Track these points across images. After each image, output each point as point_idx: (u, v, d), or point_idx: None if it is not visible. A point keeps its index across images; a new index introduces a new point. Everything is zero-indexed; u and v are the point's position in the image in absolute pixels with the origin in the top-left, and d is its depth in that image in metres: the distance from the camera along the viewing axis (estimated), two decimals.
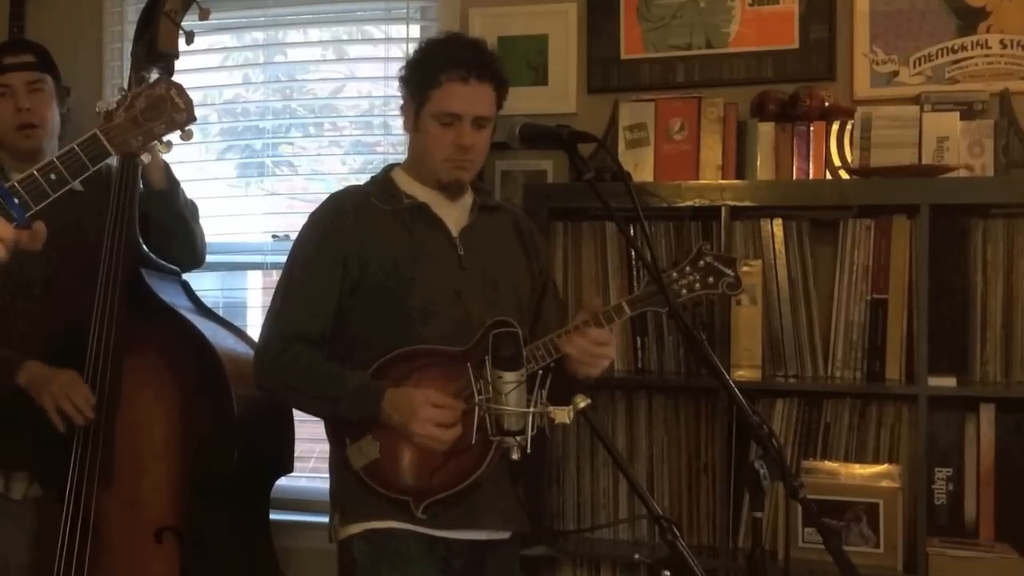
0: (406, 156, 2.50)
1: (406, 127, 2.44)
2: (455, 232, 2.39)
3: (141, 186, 2.69)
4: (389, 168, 2.49)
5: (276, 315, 2.36)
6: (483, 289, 2.34)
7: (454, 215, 2.42)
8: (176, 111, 1.84)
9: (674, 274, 2.35)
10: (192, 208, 2.82)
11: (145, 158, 1.90)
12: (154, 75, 2.53)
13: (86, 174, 1.79)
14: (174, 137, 1.89)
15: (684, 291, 2.34)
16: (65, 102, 2.81)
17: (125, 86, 1.95)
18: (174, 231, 2.76)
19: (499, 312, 2.27)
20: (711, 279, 2.35)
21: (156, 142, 1.85)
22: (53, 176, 1.74)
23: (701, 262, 2.35)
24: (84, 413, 2.49)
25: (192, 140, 1.93)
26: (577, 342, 2.27)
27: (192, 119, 1.86)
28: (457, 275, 2.35)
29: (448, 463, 2.22)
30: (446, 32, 2.58)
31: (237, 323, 2.90)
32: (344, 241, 2.33)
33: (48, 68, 2.79)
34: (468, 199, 2.46)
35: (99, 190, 2.62)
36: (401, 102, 2.45)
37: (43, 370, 2.55)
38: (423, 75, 2.35)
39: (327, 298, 2.33)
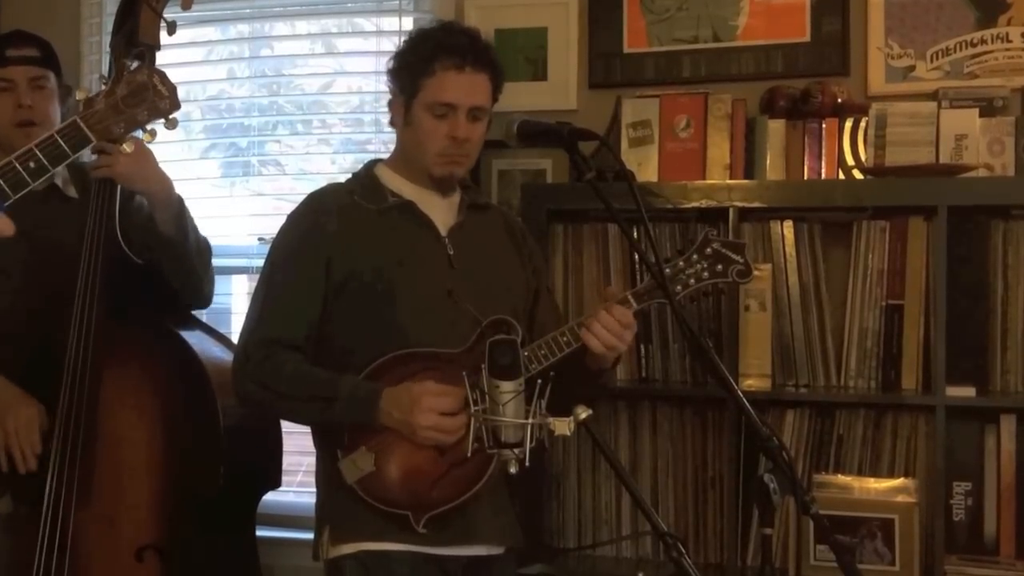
0: (392, 151, 2.50)
1: (394, 122, 2.44)
2: (444, 231, 2.39)
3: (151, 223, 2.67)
4: (371, 164, 2.49)
5: (256, 320, 2.34)
6: (475, 289, 2.34)
7: (442, 213, 2.42)
8: (159, 98, 1.85)
9: (680, 263, 2.33)
10: (204, 251, 2.75)
11: (127, 147, 1.91)
12: (135, 67, 2.53)
13: (66, 162, 1.81)
14: (158, 126, 1.90)
15: (692, 281, 2.32)
16: (66, 101, 2.80)
17: (106, 76, 1.97)
18: (177, 276, 2.69)
19: (494, 312, 2.27)
20: (719, 267, 2.33)
21: (140, 130, 1.86)
22: (32, 164, 1.75)
23: (708, 249, 2.34)
24: (28, 463, 2.50)
25: (175, 134, 1.95)
26: (603, 318, 2.25)
27: (176, 107, 1.87)
28: (448, 275, 2.35)
29: (448, 475, 2.22)
30: (438, 20, 2.58)
31: (221, 330, 2.90)
32: (327, 242, 2.33)
33: (52, 64, 2.76)
34: (456, 197, 2.46)
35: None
36: (389, 96, 2.44)
37: (7, 395, 2.54)
38: (414, 64, 2.35)
39: (310, 302, 2.32)
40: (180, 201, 2.66)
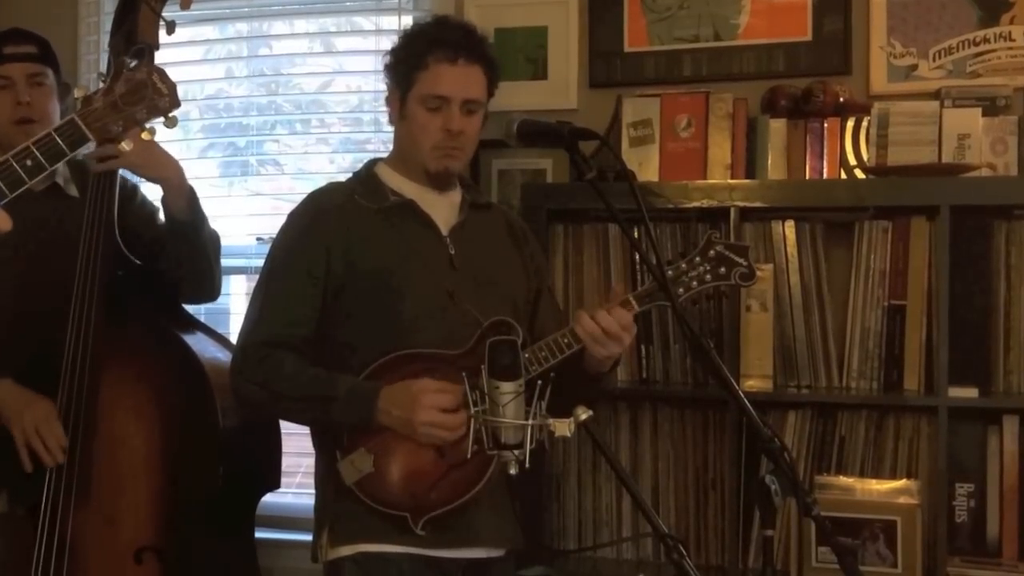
0: (391, 149, 2.50)
1: (391, 118, 2.44)
2: (445, 231, 2.39)
3: (161, 216, 2.67)
4: (372, 163, 2.49)
5: (255, 320, 2.35)
6: (477, 289, 2.34)
7: (443, 213, 2.42)
8: (159, 96, 1.85)
9: (683, 265, 2.32)
10: (214, 242, 2.74)
11: (126, 145, 1.91)
12: (134, 65, 2.53)
13: (63, 160, 1.80)
14: (158, 124, 1.90)
15: (695, 283, 2.32)
16: (65, 99, 2.80)
17: (105, 75, 1.96)
18: (190, 266, 2.67)
19: (495, 313, 2.27)
20: (723, 269, 2.33)
21: (137, 127, 1.86)
22: (29, 162, 1.75)
23: (711, 252, 2.33)
24: (55, 455, 2.50)
25: (173, 133, 1.95)
26: (601, 316, 2.24)
27: (176, 104, 1.87)
28: (449, 276, 2.35)
29: (447, 476, 2.22)
30: (432, 15, 2.58)
31: (220, 330, 2.90)
32: (327, 242, 2.33)
33: (50, 61, 2.76)
34: (457, 196, 2.46)
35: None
36: (386, 93, 2.45)
37: (18, 395, 2.55)
38: (408, 58, 2.35)
39: (310, 302, 2.32)
40: (192, 187, 2.65)
